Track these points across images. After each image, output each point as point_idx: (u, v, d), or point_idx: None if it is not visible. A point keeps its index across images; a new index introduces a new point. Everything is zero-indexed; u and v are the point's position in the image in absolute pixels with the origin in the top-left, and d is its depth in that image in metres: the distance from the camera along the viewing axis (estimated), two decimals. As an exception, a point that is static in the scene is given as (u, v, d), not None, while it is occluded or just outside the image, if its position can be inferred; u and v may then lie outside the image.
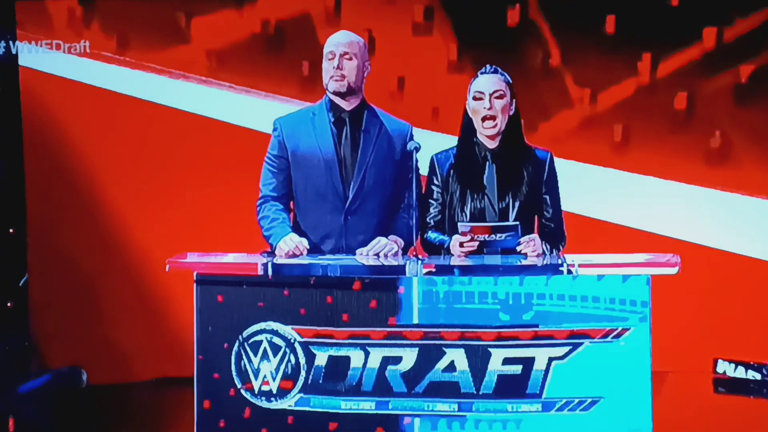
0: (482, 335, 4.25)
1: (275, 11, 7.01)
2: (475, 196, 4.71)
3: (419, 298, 4.28)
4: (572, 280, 4.23)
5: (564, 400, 4.24)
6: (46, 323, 7.01)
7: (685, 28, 6.84)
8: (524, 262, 4.43)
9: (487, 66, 4.78)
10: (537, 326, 4.24)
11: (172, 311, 6.82)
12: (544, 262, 4.43)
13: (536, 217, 4.79)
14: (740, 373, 6.84)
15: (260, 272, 4.38)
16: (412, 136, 4.90)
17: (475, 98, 4.72)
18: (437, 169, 4.79)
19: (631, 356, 4.21)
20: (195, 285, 4.42)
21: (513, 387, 4.25)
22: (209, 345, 4.41)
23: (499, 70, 4.76)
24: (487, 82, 4.71)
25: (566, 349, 4.23)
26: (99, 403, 6.73)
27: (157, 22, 6.97)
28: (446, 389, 4.27)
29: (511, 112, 4.74)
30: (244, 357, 4.39)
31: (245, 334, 4.39)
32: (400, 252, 4.73)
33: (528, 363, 4.24)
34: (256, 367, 4.38)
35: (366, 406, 4.32)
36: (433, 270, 4.30)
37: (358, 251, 4.72)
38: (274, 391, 4.37)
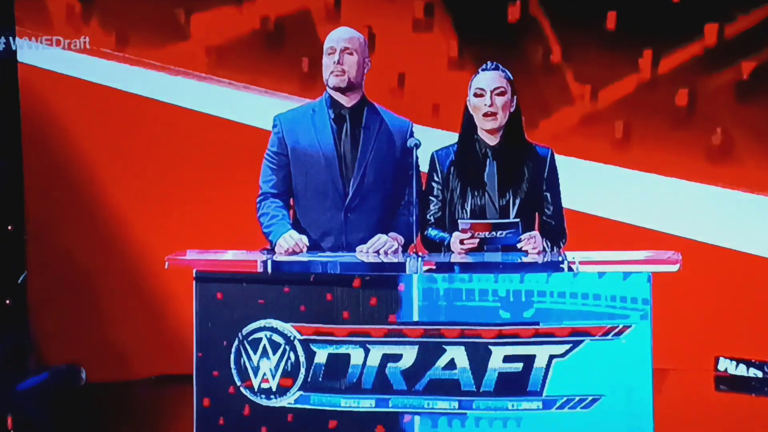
0: (483, 333, 4.25)
1: (275, 7, 7.00)
2: (476, 193, 4.70)
3: (419, 296, 4.27)
4: (573, 278, 4.23)
5: (565, 398, 4.23)
6: (44, 321, 7.00)
7: (687, 25, 6.83)
8: (525, 260, 4.43)
9: (488, 62, 4.77)
10: (537, 324, 4.23)
11: (172, 309, 6.81)
12: (545, 260, 4.43)
13: (537, 214, 4.78)
14: (741, 370, 6.83)
15: (260, 269, 4.37)
16: (412, 132, 4.90)
17: (476, 95, 4.71)
18: (438, 166, 4.78)
19: (632, 354, 4.20)
20: (194, 282, 4.42)
21: (513, 385, 4.24)
22: (209, 342, 4.41)
23: (500, 66, 4.76)
24: (488, 79, 4.70)
25: (567, 346, 4.23)
26: (98, 400, 6.72)
27: (156, 18, 6.95)
28: (446, 387, 4.27)
29: (512, 109, 4.73)
30: (243, 354, 4.38)
31: (245, 331, 4.38)
32: (401, 249, 4.72)
33: (528, 361, 4.24)
34: (255, 364, 4.38)
35: (366, 404, 4.32)
36: (434, 267, 4.29)
37: (358, 248, 4.72)
38: (274, 389, 4.37)
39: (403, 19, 6.95)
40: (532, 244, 4.55)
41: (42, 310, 7.00)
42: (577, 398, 4.23)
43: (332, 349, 4.32)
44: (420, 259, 4.35)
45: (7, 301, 7.01)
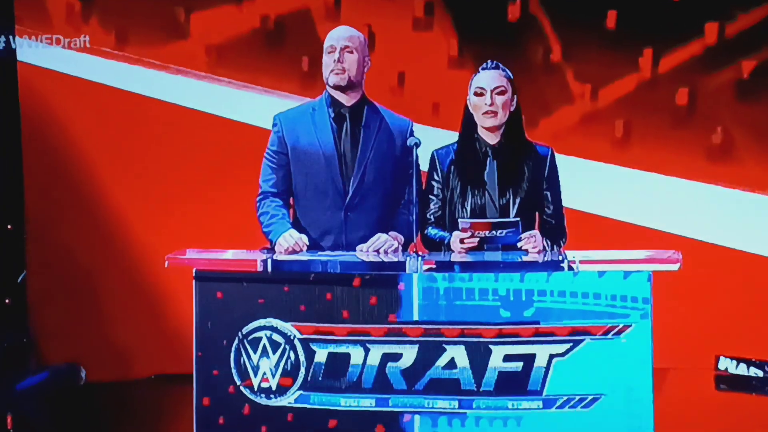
0: (483, 332, 4.24)
1: (275, 6, 6.99)
2: (476, 193, 4.69)
3: (419, 295, 4.27)
4: (573, 277, 4.23)
5: (565, 397, 4.23)
6: (44, 320, 6.99)
7: (687, 24, 6.82)
8: (525, 259, 4.43)
9: (489, 61, 4.76)
10: (538, 323, 4.23)
11: (171, 308, 6.80)
12: (545, 259, 4.43)
13: (537, 213, 4.77)
14: (742, 370, 6.83)
15: (260, 269, 4.38)
16: (412, 131, 4.90)
17: (476, 94, 4.70)
18: (438, 165, 4.77)
19: (632, 353, 4.20)
20: (194, 281, 4.42)
21: (514, 384, 4.24)
22: (208, 342, 4.41)
23: (501, 65, 4.75)
24: (489, 78, 4.69)
25: (567, 346, 4.23)
26: (98, 400, 6.71)
27: (156, 17, 6.94)
28: (446, 386, 4.27)
29: (512, 108, 4.73)
30: (243, 354, 4.38)
31: (245, 330, 4.38)
32: (400, 248, 4.72)
33: (529, 360, 4.24)
34: (255, 364, 4.37)
35: (366, 403, 4.32)
36: (434, 266, 4.29)
37: (358, 247, 4.71)
38: (274, 388, 4.37)
39: (403, 18, 6.94)
40: (532, 243, 4.55)
41: (42, 310, 6.99)
42: (578, 397, 4.22)
43: (332, 349, 4.32)
44: (420, 258, 4.35)
45: (7, 301, 7.00)
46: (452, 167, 4.75)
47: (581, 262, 4.25)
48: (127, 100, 6.94)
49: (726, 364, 6.85)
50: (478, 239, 4.51)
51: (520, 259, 4.40)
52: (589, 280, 4.22)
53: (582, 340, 4.21)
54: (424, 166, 4.83)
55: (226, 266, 4.45)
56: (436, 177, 4.77)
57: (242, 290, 4.38)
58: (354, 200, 4.80)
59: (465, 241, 4.53)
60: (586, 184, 6.81)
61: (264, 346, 4.36)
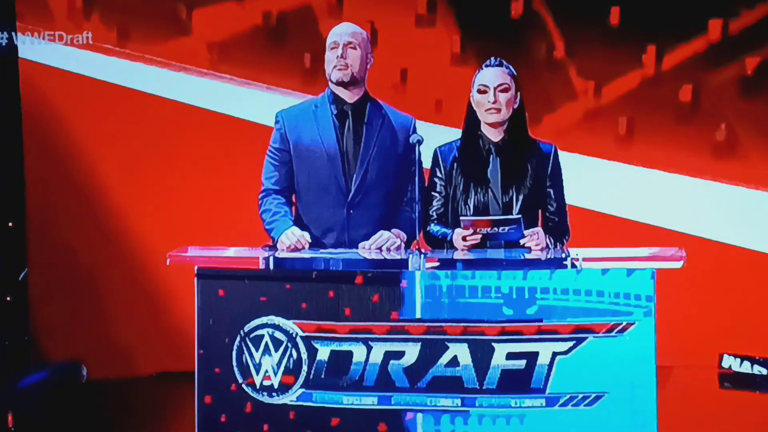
0: (485, 330, 4.23)
1: (277, 3, 7.00)
2: (479, 190, 4.68)
3: (422, 293, 4.26)
4: (576, 274, 4.21)
5: (568, 395, 4.22)
6: (45, 317, 6.99)
7: (691, 20, 6.82)
8: (528, 256, 4.42)
9: (492, 58, 4.75)
10: (541, 321, 4.22)
11: (173, 305, 6.80)
12: (548, 256, 4.42)
13: (540, 210, 4.76)
14: (746, 368, 6.82)
15: (262, 266, 4.36)
16: (415, 129, 4.88)
17: (479, 91, 4.69)
18: (440, 162, 4.76)
19: (635, 351, 4.18)
20: (196, 279, 4.41)
21: (516, 382, 4.23)
22: (210, 339, 4.40)
23: (504, 62, 4.73)
24: (492, 76, 4.68)
25: (570, 343, 4.21)
26: (99, 398, 6.72)
27: (157, 13, 6.95)
28: (449, 384, 4.26)
29: (516, 105, 4.71)
30: (245, 352, 4.37)
31: (246, 328, 4.37)
32: (403, 246, 4.71)
33: (532, 358, 4.22)
34: (257, 361, 4.37)
35: (368, 401, 4.31)
36: (436, 264, 4.27)
37: (360, 245, 4.70)
38: (276, 386, 4.36)
39: (405, 15, 6.94)
40: (535, 240, 4.53)
41: (43, 307, 6.99)
42: (581, 395, 4.21)
43: (334, 346, 4.31)
44: (423, 255, 4.34)
45: (8, 298, 7.00)
46: (455, 164, 4.74)
47: (584, 259, 4.23)
48: (128, 98, 6.94)
49: (730, 362, 6.85)
50: (480, 236, 4.50)
51: (523, 257, 4.39)
52: (592, 278, 4.20)
53: (585, 338, 4.20)
54: (427, 163, 4.82)
55: (227, 264, 4.44)
56: (438, 174, 4.76)
57: (244, 288, 4.37)
58: (356, 197, 4.79)
59: (467, 238, 4.51)
60: (590, 181, 6.81)
61: (266, 343, 4.35)
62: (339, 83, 4.80)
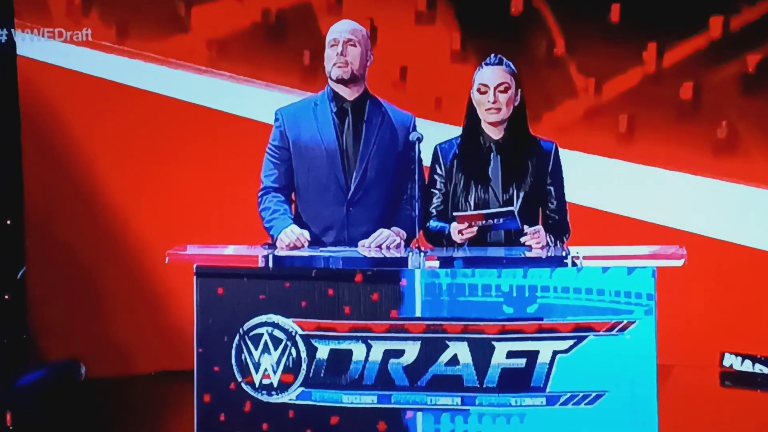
0: (486, 328, 4.22)
1: (276, 0, 6.97)
2: (480, 187, 4.67)
3: (422, 291, 4.25)
4: (577, 273, 4.21)
5: (568, 394, 4.21)
6: (44, 316, 6.98)
7: (691, 17, 6.81)
8: (528, 254, 4.41)
9: (492, 56, 4.73)
10: (541, 319, 4.21)
11: (172, 304, 6.80)
12: (549, 254, 4.41)
13: (540, 208, 4.75)
14: (747, 366, 6.81)
15: (261, 264, 4.35)
16: (414, 126, 4.88)
17: (479, 91, 4.68)
18: (441, 159, 4.75)
19: (636, 350, 4.17)
20: (195, 277, 4.40)
21: (517, 381, 4.22)
22: (209, 338, 4.39)
23: (504, 60, 4.72)
24: (492, 75, 4.66)
25: (571, 342, 4.20)
26: (97, 397, 6.71)
27: (156, 11, 6.94)
28: (449, 383, 4.25)
29: (516, 103, 4.70)
30: (244, 350, 4.37)
31: (246, 327, 4.36)
32: (403, 244, 4.70)
33: (532, 356, 4.22)
34: (256, 360, 4.36)
35: (368, 400, 4.30)
36: (436, 262, 4.25)
37: (360, 243, 4.70)
38: (275, 385, 4.35)
39: (405, 12, 6.93)
40: (536, 239, 4.52)
41: (41, 306, 6.98)
42: (581, 394, 4.21)
43: (334, 345, 4.30)
44: (422, 254, 4.33)
45: (6, 297, 6.99)
46: (455, 161, 4.73)
47: (585, 257, 4.23)
48: (127, 95, 6.94)
49: (731, 361, 6.84)
50: (476, 228, 4.48)
51: (523, 255, 4.38)
52: (592, 276, 4.19)
53: (585, 337, 4.19)
54: (427, 161, 4.81)
55: (227, 262, 4.43)
56: (438, 171, 4.75)
57: (243, 286, 4.36)
58: (356, 195, 4.79)
59: (463, 231, 4.50)
60: (590, 179, 6.80)
61: (265, 342, 4.35)
62: (339, 81, 4.79)
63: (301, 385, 4.33)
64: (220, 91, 6.97)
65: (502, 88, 4.65)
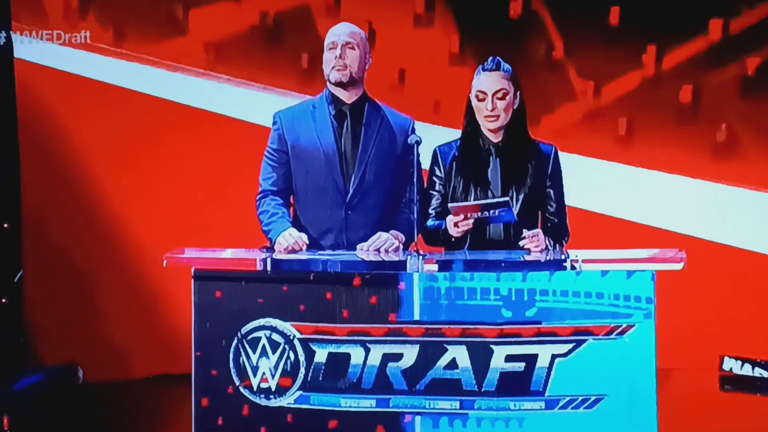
0: (484, 332, 4.22)
1: (274, 3, 6.99)
2: (479, 190, 4.67)
3: (420, 294, 4.25)
4: (576, 276, 4.20)
5: (567, 398, 4.21)
6: (41, 320, 6.98)
7: (691, 20, 6.80)
8: (527, 258, 4.40)
9: (489, 60, 4.72)
10: (540, 323, 4.21)
11: (170, 307, 6.79)
12: (548, 258, 4.40)
13: (540, 211, 4.74)
14: (747, 370, 6.80)
15: (259, 268, 4.35)
16: (413, 129, 4.88)
17: (477, 98, 4.67)
18: (440, 162, 4.75)
19: (635, 353, 4.17)
20: (193, 281, 4.40)
21: (516, 384, 4.21)
22: (207, 341, 4.39)
23: (502, 63, 4.70)
24: (489, 82, 4.65)
25: (570, 346, 4.20)
26: (95, 400, 6.70)
27: (154, 13, 6.94)
28: (448, 387, 4.24)
29: (515, 106, 4.69)
30: (242, 354, 4.36)
31: (244, 330, 4.36)
32: (401, 247, 4.69)
33: (531, 360, 4.21)
34: (254, 364, 4.35)
35: (366, 403, 4.30)
36: (435, 266, 4.24)
37: (358, 246, 4.69)
38: (273, 389, 4.34)
39: (403, 15, 6.92)
40: (535, 242, 4.51)
41: (38, 309, 6.97)
42: (580, 398, 4.20)
43: (332, 349, 4.30)
44: (421, 257, 4.33)
45: (3, 300, 6.98)
46: (454, 164, 4.72)
47: (584, 261, 4.22)
48: (124, 98, 6.93)
49: (731, 365, 6.83)
50: (472, 221, 4.47)
51: (522, 259, 4.38)
52: (591, 280, 4.19)
53: (585, 340, 4.19)
54: (426, 164, 4.80)
55: (225, 265, 4.43)
56: (437, 173, 4.74)
57: (241, 290, 4.36)
58: (354, 199, 4.78)
59: (459, 224, 4.49)
60: (589, 182, 6.79)
61: (263, 346, 4.34)
62: (337, 84, 4.78)
63: (299, 389, 4.33)
64: (218, 94, 6.96)
65: (500, 95, 4.64)
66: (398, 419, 4.27)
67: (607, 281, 4.19)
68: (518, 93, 4.70)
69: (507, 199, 4.47)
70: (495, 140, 4.69)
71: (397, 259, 4.47)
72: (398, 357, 4.26)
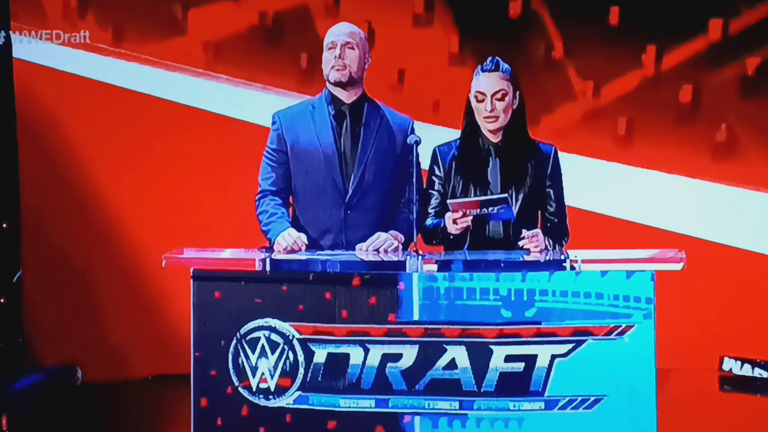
0: (484, 332, 4.21)
1: (273, 2, 6.98)
2: (478, 190, 4.66)
3: (419, 295, 4.24)
4: (575, 276, 4.20)
5: (567, 398, 4.21)
6: (40, 320, 6.97)
7: (691, 20, 6.79)
8: (527, 258, 4.40)
9: (488, 61, 4.71)
10: (539, 323, 4.20)
11: (169, 308, 6.78)
12: (547, 258, 4.40)
13: (539, 211, 4.73)
14: (747, 370, 6.80)
15: (258, 268, 4.35)
16: (413, 129, 4.87)
17: (476, 99, 4.66)
18: (439, 161, 4.74)
19: (635, 354, 4.17)
20: (192, 281, 4.40)
21: (515, 385, 4.21)
22: (206, 342, 4.39)
23: (501, 63, 4.69)
24: (488, 83, 4.64)
25: (569, 346, 4.20)
26: (94, 400, 6.70)
27: (153, 13, 6.93)
28: (447, 387, 4.24)
29: (515, 106, 4.68)
30: (241, 354, 4.36)
31: (243, 330, 4.36)
32: (401, 247, 4.69)
33: (530, 360, 4.21)
34: (253, 364, 4.35)
35: (365, 404, 4.29)
36: (434, 266, 4.24)
37: (357, 247, 4.68)
38: (272, 389, 4.34)
39: (403, 15, 6.92)
40: (534, 242, 4.51)
41: (37, 309, 6.97)
42: (580, 398, 4.20)
43: (331, 349, 4.29)
44: (420, 257, 4.32)
45: (2, 300, 6.98)
46: (453, 163, 4.72)
47: (583, 261, 4.22)
48: (123, 98, 6.92)
49: (730, 365, 6.82)
50: (470, 218, 4.46)
51: (521, 259, 4.37)
52: (591, 280, 4.19)
53: (584, 341, 4.19)
54: (425, 164, 4.80)
55: (224, 266, 4.43)
56: (437, 172, 4.74)
57: (240, 290, 4.36)
58: (354, 199, 4.78)
59: (458, 221, 4.48)
60: (589, 182, 6.79)
61: (262, 346, 4.34)
62: (337, 84, 4.78)
63: (298, 389, 4.32)
64: (217, 94, 6.95)
65: (499, 96, 4.64)
66: (397, 419, 4.26)
67: (606, 281, 4.18)
68: (518, 93, 4.69)
69: (506, 195, 4.46)
70: (494, 140, 4.69)
71: (396, 259, 4.47)
72: (397, 357, 4.26)
